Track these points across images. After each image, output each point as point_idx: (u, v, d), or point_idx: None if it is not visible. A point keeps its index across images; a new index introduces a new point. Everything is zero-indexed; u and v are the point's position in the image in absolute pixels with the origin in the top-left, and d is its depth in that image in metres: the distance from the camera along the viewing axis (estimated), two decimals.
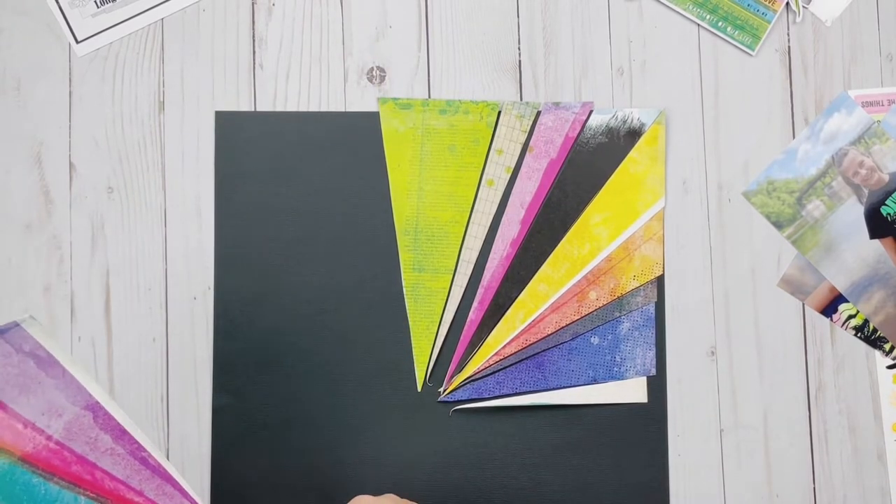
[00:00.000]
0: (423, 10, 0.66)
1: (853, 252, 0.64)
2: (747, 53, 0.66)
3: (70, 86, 0.64)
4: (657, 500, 0.63)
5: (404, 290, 0.63)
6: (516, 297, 0.64)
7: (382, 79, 0.65)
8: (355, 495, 0.50)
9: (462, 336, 0.64)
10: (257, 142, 0.64)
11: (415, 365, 0.63)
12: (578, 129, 0.65)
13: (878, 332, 0.65)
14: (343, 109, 0.65)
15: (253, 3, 0.65)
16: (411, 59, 0.65)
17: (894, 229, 0.64)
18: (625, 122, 0.65)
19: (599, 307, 0.64)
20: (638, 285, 0.64)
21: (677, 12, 0.66)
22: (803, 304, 0.65)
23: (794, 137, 0.66)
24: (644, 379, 0.64)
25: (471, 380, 0.63)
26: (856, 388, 0.65)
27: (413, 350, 0.63)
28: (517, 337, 0.64)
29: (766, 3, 0.65)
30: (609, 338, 0.64)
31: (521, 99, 0.65)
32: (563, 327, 0.64)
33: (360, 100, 0.65)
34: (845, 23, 0.66)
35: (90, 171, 0.64)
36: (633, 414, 0.64)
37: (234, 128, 0.64)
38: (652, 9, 0.66)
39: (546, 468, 0.63)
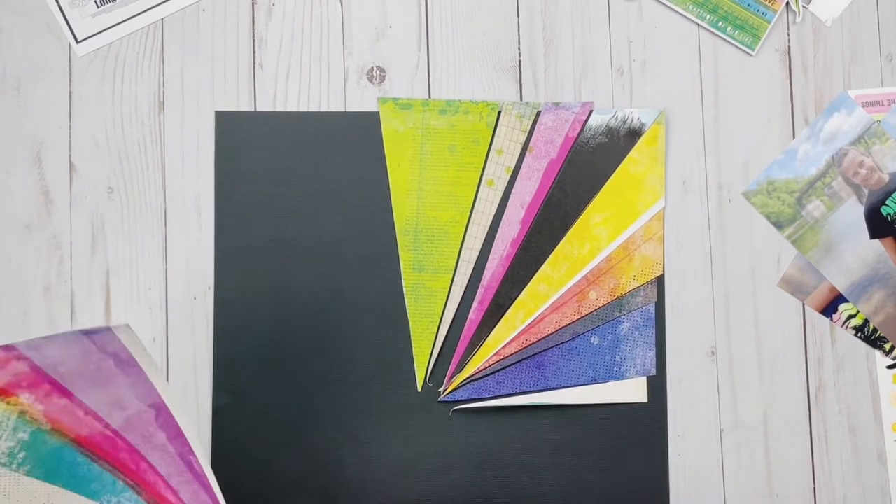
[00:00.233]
0: (423, 10, 0.66)
1: (853, 252, 0.64)
2: (747, 53, 0.66)
3: (70, 86, 0.64)
4: (657, 500, 0.63)
5: (404, 290, 0.63)
6: (516, 297, 0.64)
7: (382, 79, 0.65)
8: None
9: (462, 336, 0.64)
10: (257, 142, 0.64)
11: (415, 365, 0.63)
12: (578, 129, 0.65)
13: (878, 332, 0.65)
14: (343, 109, 0.65)
15: (253, 3, 0.65)
16: (411, 59, 0.65)
17: (894, 229, 0.64)
18: (625, 122, 0.65)
19: (599, 307, 0.64)
20: (638, 285, 0.64)
21: (677, 12, 0.66)
22: (803, 304, 0.65)
23: (794, 137, 0.66)
24: (644, 379, 0.64)
25: (471, 380, 0.63)
26: (856, 388, 0.65)
27: (413, 350, 0.63)
28: (517, 337, 0.64)
29: (766, 3, 0.65)
30: (609, 338, 0.64)
31: (521, 99, 0.65)
32: (563, 327, 0.64)
33: (360, 100, 0.65)
34: (845, 23, 0.66)
35: (90, 171, 0.64)
36: (633, 414, 0.64)
37: (234, 128, 0.64)
38: (652, 9, 0.66)
39: (546, 468, 0.63)
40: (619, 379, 0.64)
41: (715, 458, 0.64)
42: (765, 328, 0.65)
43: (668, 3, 0.66)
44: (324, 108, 0.65)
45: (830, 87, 0.66)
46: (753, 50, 0.66)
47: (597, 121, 0.65)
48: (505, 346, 0.63)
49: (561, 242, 0.64)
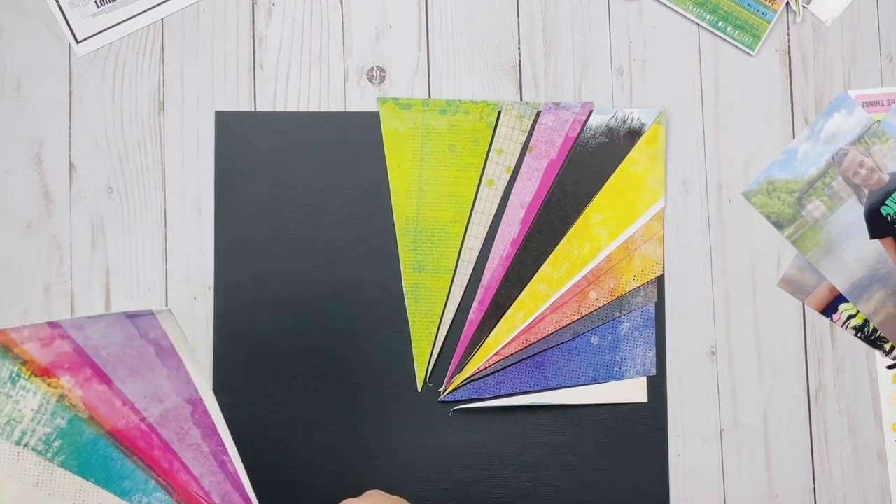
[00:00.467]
0: (423, 10, 0.66)
1: (853, 252, 0.64)
2: (747, 53, 0.66)
3: (70, 86, 0.64)
4: (657, 500, 0.63)
5: (404, 290, 0.63)
6: (516, 297, 0.64)
7: (382, 79, 0.65)
8: (355, 496, 0.50)
9: (462, 336, 0.64)
10: (257, 142, 0.64)
11: (415, 365, 0.63)
12: (578, 129, 0.65)
13: (878, 332, 0.65)
14: (343, 109, 0.65)
15: (253, 3, 0.65)
16: (411, 59, 0.65)
17: (894, 229, 0.64)
18: (625, 122, 0.65)
19: (599, 307, 0.64)
20: (638, 285, 0.64)
21: (677, 12, 0.66)
22: (803, 304, 0.65)
23: (794, 137, 0.66)
24: (644, 379, 0.64)
25: (471, 380, 0.63)
26: (856, 388, 0.65)
27: (413, 350, 0.63)
28: (517, 337, 0.64)
29: (766, 3, 0.65)
30: (609, 338, 0.64)
31: (521, 99, 0.65)
32: (563, 327, 0.64)
33: (360, 100, 0.65)
34: (845, 23, 0.66)
35: (90, 171, 0.64)
36: (633, 414, 0.64)
37: (234, 128, 0.64)
38: (652, 9, 0.66)
39: (546, 468, 0.63)
40: (619, 379, 0.64)
41: (715, 458, 0.64)
42: (765, 328, 0.65)
43: (668, 3, 0.66)
44: (324, 108, 0.65)
45: (830, 87, 0.66)
46: (753, 50, 0.66)
47: (597, 121, 0.65)
48: (505, 346, 0.63)
49: (561, 242, 0.64)
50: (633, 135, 0.65)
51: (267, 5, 0.65)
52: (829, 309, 0.65)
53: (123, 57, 0.64)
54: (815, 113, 0.66)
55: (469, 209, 0.64)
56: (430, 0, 0.66)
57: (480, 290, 0.64)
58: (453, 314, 0.64)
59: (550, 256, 0.64)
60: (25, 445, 0.40)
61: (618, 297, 0.64)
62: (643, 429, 0.64)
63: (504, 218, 0.64)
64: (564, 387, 0.63)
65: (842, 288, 0.65)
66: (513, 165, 0.64)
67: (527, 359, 0.64)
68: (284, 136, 0.64)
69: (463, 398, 0.63)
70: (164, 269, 0.64)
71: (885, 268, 0.64)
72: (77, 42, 0.64)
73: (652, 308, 0.64)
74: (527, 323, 0.64)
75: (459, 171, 0.64)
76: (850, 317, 0.65)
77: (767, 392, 0.64)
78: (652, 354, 0.64)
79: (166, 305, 0.63)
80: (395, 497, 0.48)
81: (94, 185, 0.64)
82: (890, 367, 0.65)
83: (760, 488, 0.64)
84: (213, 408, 0.45)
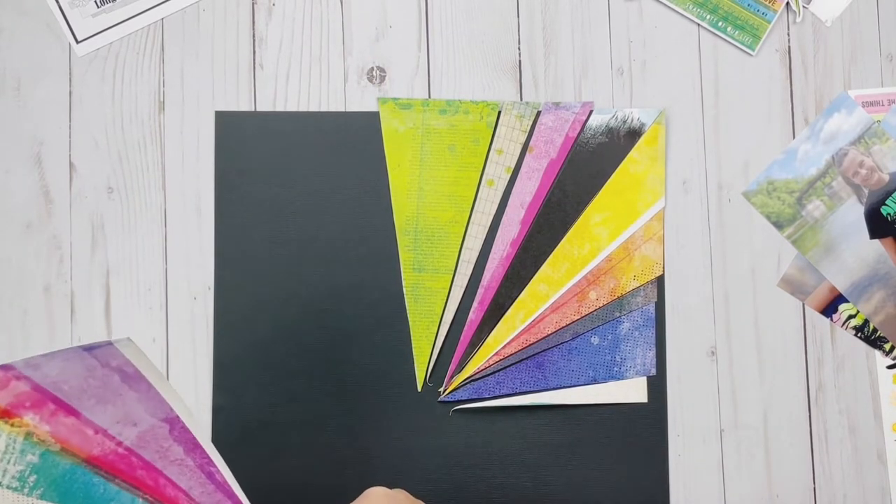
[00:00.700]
0: (423, 10, 0.66)
1: (853, 252, 0.64)
2: (747, 53, 0.66)
3: (70, 86, 0.64)
4: (657, 500, 0.63)
5: (404, 290, 0.63)
6: (516, 297, 0.64)
7: (382, 79, 0.65)
8: (355, 496, 0.50)
9: (462, 336, 0.64)
10: (257, 142, 0.64)
11: (415, 365, 0.63)
12: (578, 129, 0.65)
13: (878, 332, 0.65)
14: (343, 109, 0.65)
15: (253, 3, 0.65)
16: (411, 59, 0.65)
17: (894, 229, 0.64)
18: (625, 122, 0.65)
19: (599, 307, 0.64)
20: (638, 285, 0.64)
21: (677, 12, 0.66)
22: (803, 304, 0.65)
23: (794, 137, 0.66)
24: (644, 379, 0.64)
25: (471, 380, 0.63)
26: (856, 388, 0.65)
27: (413, 350, 0.63)
28: (517, 337, 0.64)
29: (766, 3, 0.65)
30: (609, 338, 0.64)
31: (521, 99, 0.65)
32: (563, 327, 0.64)
33: (360, 100, 0.65)
34: (845, 23, 0.66)
35: (90, 171, 0.64)
36: (633, 414, 0.64)
37: (234, 128, 0.64)
38: (652, 9, 0.66)
39: (546, 468, 0.63)
40: (619, 379, 0.64)
41: (715, 458, 0.64)
42: (765, 328, 0.65)
43: (668, 3, 0.66)
44: (324, 108, 0.65)
45: (830, 87, 0.66)
46: (753, 50, 0.66)
47: (597, 121, 0.65)
48: (505, 346, 0.63)
49: (561, 242, 0.64)
50: (633, 135, 0.65)
51: (267, 5, 0.65)
52: (829, 309, 0.65)
53: (123, 57, 0.64)
54: (815, 113, 0.66)
55: (469, 209, 0.64)
56: (430, 0, 0.66)
57: (480, 290, 0.64)
58: (453, 314, 0.64)
59: (550, 256, 0.64)
60: (0, 485, 0.39)
61: (618, 297, 0.64)
62: (643, 429, 0.64)
63: (504, 218, 0.64)
64: (564, 387, 0.63)
65: (842, 288, 0.64)
66: (513, 165, 0.64)
67: (527, 359, 0.64)
68: (284, 136, 0.64)
69: (463, 398, 0.63)
70: (164, 269, 0.64)
71: (885, 268, 0.64)
72: (77, 42, 0.64)
73: (652, 308, 0.64)
74: (527, 323, 0.64)
75: (459, 171, 0.64)
76: (850, 317, 0.65)
77: (767, 392, 0.64)
78: (652, 354, 0.64)
79: (166, 305, 0.63)
80: (395, 491, 0.48)
81: (94, 185, 0.64)
82: (890, 367, 0.65)
83: (760, 488, 0.64)
84: (191, 424, 0.45)
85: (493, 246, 0.64)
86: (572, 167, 0.65)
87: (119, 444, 0.42)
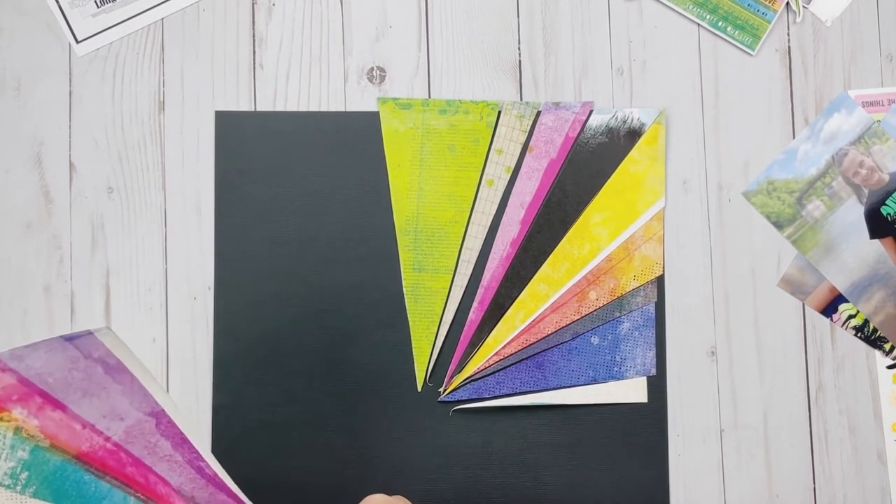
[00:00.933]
0: (423, 10, 0.66)
1: (853, 252, 0.64)
2: (747, 53, 0.66)
3: (70, 86, 0.64)
4: (657, 500, 0.63)
5: (404, 290, 0.63)
6: (516, 297, 0.64)
7: (382, 79, 0.65)
8: (355, 496, 0.50)
9: (462, 336, 0.64)
10: (257, 142, 0.64)
11: (415, 365, 0.63)
12: (578, 129, 0.65)
13: (878, 332, 0.65)
14: (343, 109, 0.65)
15: (253, 3, 0.65)
16: (411, 59, 0.65)
17: (894, 229, 0.64)
18: (625, 122, 0.65)
19: (599, 307, 0.64)
20: (638, 285, 0.64)
21: (677, 12, 0.66)
22: (803, 304, 0.65)
23: (794, 137, 0.66)
24: (644, 379, 0.64)
25: (471, 380, 0.63)
26: (856, 388, 0.65)
27: (413, 350, 0.63)
28: (517, 337, 0.64)
29: (766, 3, 0.65)
30: (609, 338, 0.64)
31: (521, 99, 0.65)
32: (563, 327, 0.64)
33: (360, 100, 0.65)
34: (845, 23, 0.66)
35: (90, 171, 0.64)
36: (633, 414, 0.64)
37: (234, 128, 0.64)
38: (652, 9, 0.66)
39: (546, 468, 0.63)
40: (619, 379, 0.64)
41: (715, 458, 0.64)
42: (765, 328, 0.65)
43: (668, 3, 0.66)
44: (324, 108, 0.65)
45: (830, 87, 0.66)
46: (753, 50, 0.66)
47: (597, 121, 0.65)
48: (505, 346, 0.63)
49: (561, 242, 0.64)
50: (633, 135, 0.65)
51: (267, 5, 0.65)
52: (829, 309, 0.65)
53: (123, 57, 0.64)
54: (815, 113, 0.66)
55: (469, 209, 0.64)
56: (430, 0, 0.66)
57: (480, 290, 0.64)
58: (453, 314, 0.64)
59: (550, 256, 0.64)
60: None
61: (618, 297, 0.64)
62: (643, 429, 0.64)
63: (504, 218, 0.64)
64: (564, 387, 0.63)
65: (842, 288, 0.64)
66: (513, 165, 0.64)
67: (527, 359, 0.64)
68: (284, 136, 0.64)
69: (463, 398, 0.63)
70: (164, 269, 0.64)
71: (885, 268, 0.64)
72: (77, 42, 0.64)
73: (652, 308, 0.64)
74: (527, 323, 0.64)
75: (459, 171, 0.64)
76: (850, 317, 0.65)
77: (767, 392, 0.64)
78: (652, 354, 0.64)
79: (166, 305, 0.63)
80: (395, 498, 0.48)
81: (94, 185, 0.64)
82: (890, 367, 0.65)
83: (760, 488, 0.64)
84: (178, 418, 0.44)
85: (493, 246, 0.64)
86: (572, 167, 0.65)
87: (107, 439, 0.42)
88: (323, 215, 0.64)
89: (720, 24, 0.66)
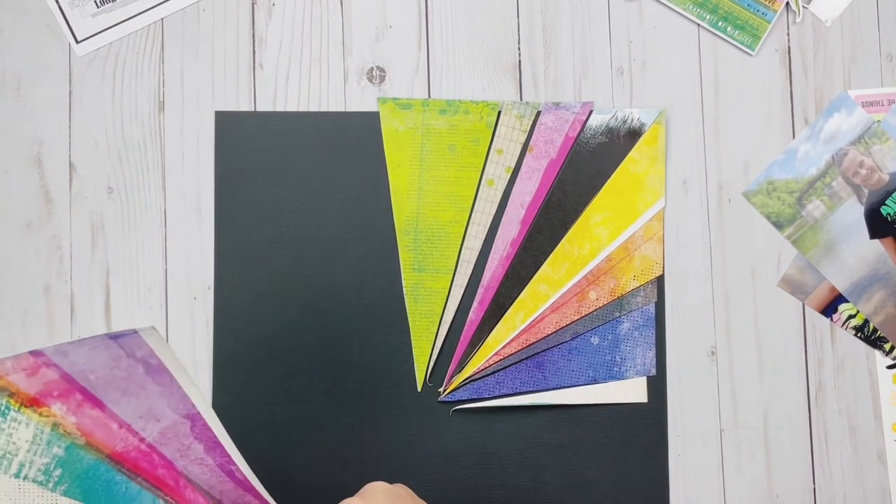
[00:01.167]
0: (423, 10, 0.66)
1: (853, 252, 0.64)
2: (747, 53, 0.66)
3: (70, 86, 0.64)
4: (657, 500, 0.63)
5: (404, 290, 0.63)
6: (516, 297, 0.64)
7: (382, 79, 0.65)
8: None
9: (462, 336, 0.64)
10: (257, 142, 0.64)
11: (415, 365, 0.63)
12: (578, 129, 0.65)
13: (878, 332, 0.65)
14: (343, 109, 0.65)
15: (253, 3, 0.65)
16: (411, 59, 0.65)
17: (894, 229, 0.64)
18: (625, 122, 0.65)
19: (599, 307, 0.64)
20: (638, 285, 0.64)
21: (677, 12, 0.66)
22: (803, 304, 0.65)
23: (794, 137, 0.66)
24: (644, 379, 0.64)
25: (471, 380, 0.63)
26: (856, 388, 0.65)
27: (413, 350, 0.63)
28: (517, 337, 0.64)
29: (766, 3, 0.65)
30: (609, 338, 0.64)
31: (521, 99, 0.65)
32: (563, 327, 0.64)
33: (360, 100, 0.65)
34: (845, 23, 0.66)
35: (90, 171, 0.64)
36: (633, 414, 0.64)
37: (234, 128, 0.64)
38: (652, 9, 0.66)
39: (546, 468, 0.63)
40: (619, 379, 0.64)
41: (715, 458, 0.64)
42: (765, 328, 0.65)
43: (668, 3, 0.66)
44: (324, 108, 0.65)
45: (830, 87, 0.66)
46: (753, 50, 0.66)
47: (597, 121, 0.65)
48: (505, 346, 0.63)
49: (561, 242, 0.64)
50: (633, 135, 0.65)
51: (267, 5, 0.65)
52: (829, 309, 0.65)
53: (123, 57, 0.64)
54: (815, 113, 0.66)
55: (469, 209, 0.64)
56: (430, 0, 0.66)
57: (480, 290, 0.64)
58: (453, 314, 0.64)
59: (550, 256, 0.64)
60: (25, 478, 0.39)
61: (618, 297, 0.64)
62: (643, 429, 0.64)
63: (504, 218, 0.64)
64: (564, 387, 0.63)
65: (842, 288, 0.64)
66: (513, 165, 0.64)
67: (527, 359, 0.64)
68: (284, 136, 0.64)
69: (463, 398, 0.63)
70: (164, 269, 0.64)
71: (885, 268, 0.64)
72: (77, 42, 0.64)
73: (652, 308, 0.64)
74: (527, 323, 0.64)
75: (459, 171, 0.64)
76: (850, 317, 0.65)
77: (767, 392, 0.64)
78: (652, 354, 0.64)
79: (166, 305, 0.63)
80: (396, 486, 0.48)
81: (94, 185, 0.64)
82: (890, 367, 0.65)
83: (760, 488, 0.64)
84: (212, 420, 0.44)
85: (493, 246, 0.64)
86: (572, 167, 0.65)
87: (142, 440, 0.42)
88: (323, 215, 0.64)
89: (720, 24, 0.66)
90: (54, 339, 0.62)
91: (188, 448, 0.44)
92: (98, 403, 0.41)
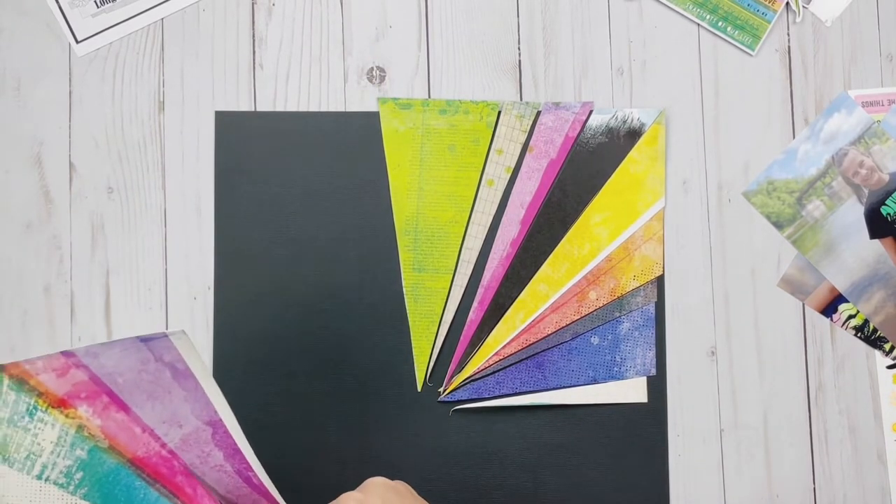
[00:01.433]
0: (423, 10, 0.66)
1: (853, 252, 0.64)
2: (747, 53, 0.66)
3: (70, 86, 0.64)
4: (657, 500, 0.63)
5: (404, 290, 0.63)
6: (516, 297, 0.64)
7: (382, 79, 0.65)
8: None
9: (462, 336, 0.64)
10: (257, 142, 0.64)
11: (415, 365, 0.63)
12: (578, 129, 0.65)
13: (878, 332, 0.65)
14: (343, 109, 0.65)
15: (253, 3, 0.65)
16: (411, 59, 0.65)
17: (894, 229, 0.64)
18: (625, 122, 0.65)
19: (599, 307, 0.64)
20: (638, 285, 0.64)
21: (677, 12, 0.66)
22: (803, 304, 0.65)
23: (794, 137, 0.66)
24: (644, 379, 0.64)
25: (471, 380, 0.63)
26: (856, 388, 0.65)
27: (413, 350, 0.63)
28: (517, 337, 0.64)
29: (766, 3, 0.65)
30: (609, 338, 0.64)
31: (521, 99, 0.65)
32: (563, 327, 0.64)
33: (360, 100, 0.65)
34: (845, 23, 0.66)
35: (90, 171, 0.64)
36: (633, 414, 0.64)
37: (234, 128, 0.64)
38: (652, 9, 0.66)
39: (546, 468, 0.63)
40: (619, 379, 0.64)
41: (715, 458, 0.64)
42: (765, 328, 0.65)
43: (668, 3, 0.66)
44: (324, 108, 0.65)
45: (830, 87, 0.66)
46: (753, 50, 0.66)
47: (597, 121, 0.65)
48: (505, 346, 0.63)
49: (561, 242, 0.64)
50: (633, 135, 0.65)
51: (267, 5, 0.65)
52: (829, 309, 0.65)
53: (123, 57, 0.64)
54: (815, 113, 0.66)
55: (469, 209, 0.64)
56: (430, 0, 0.66)
57: (480, 290, 0.64)
58: (453, 314, 0.64)
59: (550, 256, 0.64)
60: (47, 479, 0.39)
61: (618, 297, 0.64)
62: (643, 429, 0.64)
63: (504, 218, 0.64)
64: (564, 387, 0.63)
65: (842, 288, 0.64)
66: (513, 165, 0.64)
67: (527, 359, 0.64)
68: (284, 136, 0.64)
69: (463, 398, 0.63)
70: (164, 269, 0.64)
71: (885, 268, 0.64)
72: (77, 42, 0.64)
73: (652, 308, 0.64)
74: (527, 323, 0.64)
75: (459, 171, 0.64)
76: (850, 317, 0.65)
77: (767, 392, 0.64)
78: (652, 354, 0.64)
79: (166, 305, 0.63)
80: (396, 482, 0.48)
81: (94, 185, 0.64)
82: (890, 367, 0.65)
83: (760, 488, 0.64)
84: (233, 427, 0.44)
85: (493, 246, 0.64)
86: (572, 167, 0.65)
87: (163, 445, 0.42)
88: (323, 215, 0.64)
89: (720, 24, 0.66)
90: (54, 339, 0.62)
91: (208, 455, 0.44)
92: (123, 407, 0.41)
